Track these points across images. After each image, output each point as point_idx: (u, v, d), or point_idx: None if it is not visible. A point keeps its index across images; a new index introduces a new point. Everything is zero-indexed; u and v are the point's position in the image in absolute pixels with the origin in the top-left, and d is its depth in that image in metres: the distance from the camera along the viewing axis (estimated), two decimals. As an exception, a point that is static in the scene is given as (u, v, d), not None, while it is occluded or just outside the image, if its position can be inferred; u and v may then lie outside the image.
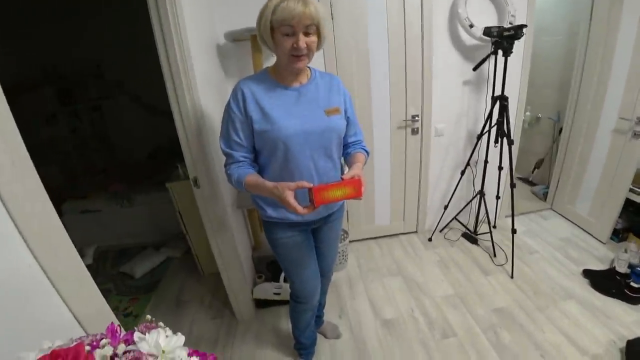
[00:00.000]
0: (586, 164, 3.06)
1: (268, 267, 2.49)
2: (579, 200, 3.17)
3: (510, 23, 2.44)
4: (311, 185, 1.13)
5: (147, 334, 0.67)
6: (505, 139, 2.45)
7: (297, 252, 1.54)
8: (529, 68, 2.75)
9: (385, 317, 2.22)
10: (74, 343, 0.65)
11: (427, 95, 2.58)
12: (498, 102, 2.44)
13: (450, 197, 2.88)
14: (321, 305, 2.04)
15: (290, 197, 1.13)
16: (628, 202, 2.81)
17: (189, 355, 0.68)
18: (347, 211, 2.80)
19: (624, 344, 1.86)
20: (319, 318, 2.09)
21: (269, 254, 2.50)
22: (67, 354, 0.59)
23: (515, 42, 2.27)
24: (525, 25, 2.25)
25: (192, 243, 2.71)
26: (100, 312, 0.98)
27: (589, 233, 3.03)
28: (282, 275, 2.30)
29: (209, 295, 2.57)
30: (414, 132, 2.67)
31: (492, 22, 2.51)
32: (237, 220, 2.30)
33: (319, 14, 1.15)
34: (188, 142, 1.76)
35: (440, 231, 3.07)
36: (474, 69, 2.57)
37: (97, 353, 0.62)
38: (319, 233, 1.62)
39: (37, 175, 0.80)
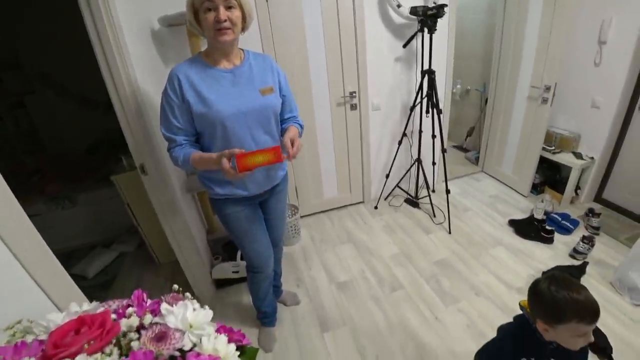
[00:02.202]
0: (508, 128, 3.42)
1: (224, 248, 2.54)
2: (504, 162, 3.56)
3: (434, 3, 2.64)
4: (240, 151, 1.18)
5: (174, 305, 0.65)
6: (435, 109, 2.68)
7: (247, 225, 1.62)
8: (453, 44, 2.98)
9: (340, 281, 2.39)
10: (101, 309, 0.66)
11: (362, 73, 2.72)
12: (427, 76, 2.65)
13: (390, 166, 3.09)
14: (277, 275, 2.15)
15: (225, 163, 1.19)
16: (542, 160, 3.21)
17: (217, 331, 0.67)
18: (295, 187, 2.90)
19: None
20: (277, 288, 2.19)
21: (224, 235, 2.55)
22: (94, 321, 0.58)
23: (439, 20, 2.47)
24: (446, 5, 2.46)
25: (145, 234, 2.67)
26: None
27: (513, 189, 3.44)
28: (239, 253, 2.37)
29: (168, 282, 2.57)
30: (353, 107, 2.82)
31: (419, 2, 2.68)
32: (188, 205, 2.32)
33: None
34: (130, 128, 1.73)
35: (385, 199, 3.30)
36: (404, 46, 2.75)
37: (124, 323, 0.61)
38: (266, 205, 1.71)
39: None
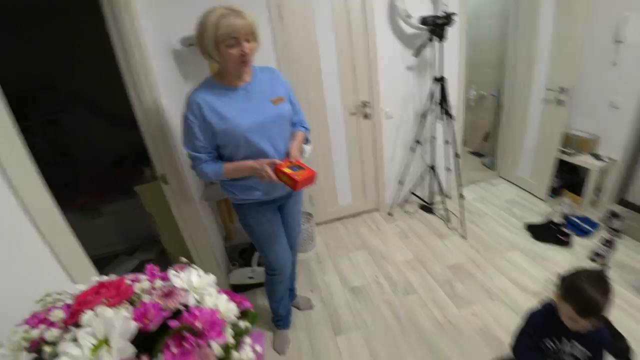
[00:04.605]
0: (524, 132, 3.39)
1: (241, 255, 2.62)
2: (521, 165, 3.51)
3: (444, 12, 2.68)
4: (280, 162, 1.44)
5: (180, 272, 0.75)
6: (447, 116, 2.70)
7: (269, 228, 1.72)
8: (465, 51, 3.00)
9: (353, 285, 2.42)
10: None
11: (374, 83, 2.79)
12: (438, 84, 2.69)
13: (404, 173, 3.11)
14: (293, 279, 2.21)
15: (269, 168, 1.41)
16: (561, 163, 3.16)
17: (219, 292, 0.76)
18: (310, 195, 2.96)
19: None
20: (291, 292, 2.25)
21: (241, 243, 2.63)
22: (111, 284, 0.69)
23: (449, 29, 2.52)
24: (455, 13, 2.51)
25: (166, 242, 2.79)
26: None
27: (530, 193, 3.38)
28: (255, 259, 2.45)
29: (187, 288, 2.67)
30: (366, 117, 2.88)
31: (428, 11, 2.73)
32: (206, 213, 2.42)
33: (254, 23, 1.35)
34: (153, 141, 1.86)
35: (400, 206, 3.31)
36: (415, 55, 2.81)
37: (137, 286, 0.71)
38: (284, 208, 1.81)
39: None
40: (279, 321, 2.07)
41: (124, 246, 3.30)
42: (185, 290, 0.70)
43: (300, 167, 1.45)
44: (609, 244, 2.48)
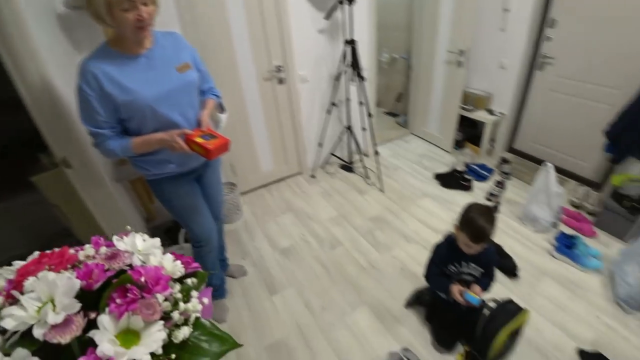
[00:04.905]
0: (430, 92, 3.67)
1: (166, 234, 2.52)
2: (429, 122, 3.83)
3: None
4: (191, 132, 1.38)
5: (124, 237, 0.76)
6: (359, 78, 2.81)
7: (189, 200, 1.66)
8: (374, 14, 3.08)
9: (283, 247, 2.49)
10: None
11: (287, 46, 2.75)
12: (349, 46, 2.76)
13: (323, 135, 3.19)
14: (222, 248, 2.20)
15: (179, 139, 1.34)
16: (462, 118, 3.52)
17: (164, 254, 0.78)
18: (231, 165, 2.92)
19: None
20: (223, 262, 2.24)
21: (164, 222, 2.53)
22: (53, 254, 0.68)
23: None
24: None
25: (80, 233, 2.56)
26: None
27: (438, 146, 3.75)
28: (181, 236, 2.39)
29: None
30: (281, 81, 2.86)
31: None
32: (121, 195, 2.25)
33: None
34: (46, 121, 1.62)
35: (321, 167, 3.43)
36: (326, 18, 2.84)
37: (81, 254, 0.71)
38: (203, 179, 1.75)
39: None
40: (215, 292, 2.07)
41: (30, 246, 2.89)
42: (130, 253, 0.71)
43: (212, 135, 1.41)
44: (500, 185, 2.87)
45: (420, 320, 1.92)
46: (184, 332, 0.67)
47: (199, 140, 1.36)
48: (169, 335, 0.66)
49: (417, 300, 1.99)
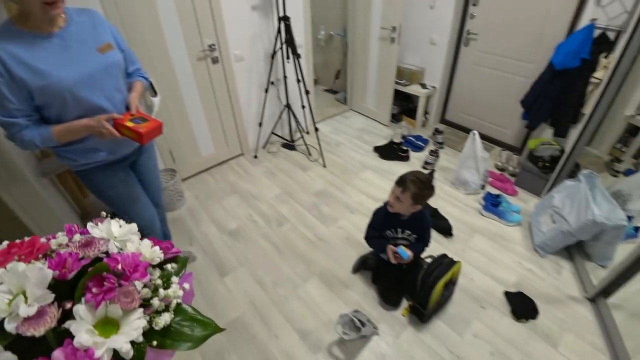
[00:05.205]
0: (367, 68, 3.76)
1: None
2: (367, 98, 3.94)
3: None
4: (120, 116, 1.28)
5: (99, 224, 0.72)
6: (294, 55, 2.79)
7: (124, 189, 1.56)
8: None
9: (230, 229, 2.46)
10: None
11: (219, 24, 2.65)
12: (283, 23, 2.72)
13: (262, 115, 3.13)
14: (167, 236, 2.11)
15: (108, 125, 1.25)
16: (398, 92, 3.66)
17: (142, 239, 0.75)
18: (170, 151, 2.79)
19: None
20: None
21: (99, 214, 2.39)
22: (23, 243, 0.64)
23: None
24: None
25: (6, 236, 2.31)
26: None
27: (376, 121, 3.89)
28: (120, 227, 2.26)
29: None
30: (215, 61, 2.76)
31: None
32: (49, 192, 2.07)
33: None
34: None
35: (264, 147, 3.39)
36: (257, -7, 2.76)
37: (52, 242, 0.67)
38: (138, 166, 1.65)
39: None
40: (162, 280, 2.02)
41: None
42: (106, 240, 0.68)
43: (143, 119, 1.33)
44: (435, 154, 3.07)
45: (367, 283, 2.03)
46: (164, 319, 0.65)
47: (129, 124, 1.28)
48: (150, 322, 0.64)
49: (362, 265, 2.10)
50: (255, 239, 2.38)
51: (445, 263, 1.77)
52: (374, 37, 3.51)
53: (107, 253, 0.68)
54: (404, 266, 1.76)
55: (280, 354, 1.71)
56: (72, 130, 1.25)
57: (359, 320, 1.66)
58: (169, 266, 0.75)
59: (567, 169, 2.46)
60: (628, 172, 2.79)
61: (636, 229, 2.23)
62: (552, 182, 2.58)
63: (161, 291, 0.67)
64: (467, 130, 3.44)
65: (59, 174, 2.22)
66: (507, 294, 1.95)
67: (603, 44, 2.30)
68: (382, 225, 1.79)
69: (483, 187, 2.75)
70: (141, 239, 1.69)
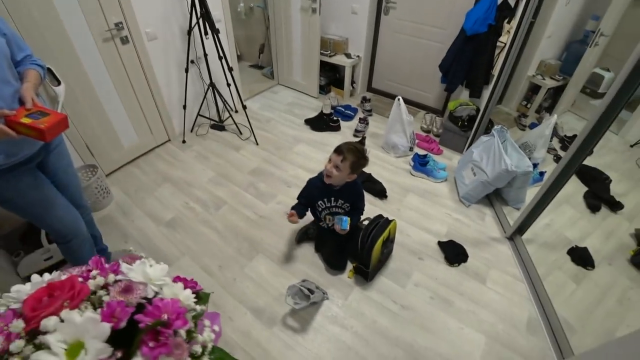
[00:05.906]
0: (291, 40, 3.70)
1: (23, 240, 2.14)
2: (294, 71, 3.90)
3: None
4: (12, 112, 1.11)
5: (133, 264, 0.71)
6: (212, 30, 2.65)
7: (36, 194, 1.39)
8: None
9: (167, 220, 2.35)
10: (63, 277, 0.69)
11: (124, 0, 2.42)
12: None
13: (186, 97, 2.96)
14: (98, 238, 1.96)
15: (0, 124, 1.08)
16: (324, 63, 3.67)
17: (174, 281, 0.75)
18: (87, 145, 2.54)
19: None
20: (103, 251, 1.99)
21: (16, 227, 2.13)
22: (63, 285, 0.63)
23: None
24: None
25: None
26: None
27: (305, 93, 3.91)
28: (44, 237, 2.05)
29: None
30: (124, 41, 2.52)
31: None
32: None
33: None
34: None
35: (192, 131, 3.24)
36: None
37: (91, 283, 0.66)
38: (47, 166, 1.48)
39: None
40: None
41: None
42: (144, 284, 0.68)
43: (43, 113, 1.17)
44: (364, 121, 3.18)
45: (311, 253, 2.10)
46: None
47: (25, 120, 1.11)
48: None
49: (305, 236, 2.16)
50: (195, 226, 2.31)
51: (381, 223, 1.89)
52: (294, 8, 3.44)
53: (147, 298, 0.67)
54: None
55: (236, 334, 1.72)
56: None
57: (307, 289, 1.72)
58: (198, 308, 0.75)
59: (483, 126, 2.70)
60: (532, 126, 3.16)
61: (541, 173, 2.55)
62: (471, 139, 2.82)
63: (199, 337, 0.69)
64: (393, 97, 3.59)
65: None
66: (440, 244, 2.14)
67: (505, 10, 2.49)
68: (314, 195, 1.85)
69: (411, 149, 2.92)
70: (67, 244, 1.58)
